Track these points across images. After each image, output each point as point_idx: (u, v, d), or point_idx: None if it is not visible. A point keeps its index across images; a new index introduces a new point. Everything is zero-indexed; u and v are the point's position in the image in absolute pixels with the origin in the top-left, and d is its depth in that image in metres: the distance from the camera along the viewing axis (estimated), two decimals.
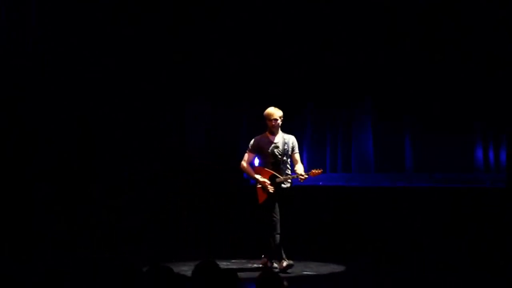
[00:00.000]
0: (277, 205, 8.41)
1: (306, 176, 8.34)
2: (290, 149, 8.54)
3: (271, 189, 8.36)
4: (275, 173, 8.43)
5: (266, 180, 8.43)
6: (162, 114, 11.23)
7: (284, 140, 8.54)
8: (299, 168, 8.47)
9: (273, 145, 8.52)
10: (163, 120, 11.23)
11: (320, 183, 11.28)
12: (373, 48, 11.15)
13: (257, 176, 8.51)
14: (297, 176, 8.37)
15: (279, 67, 11.24)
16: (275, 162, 8.49)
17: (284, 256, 8.41)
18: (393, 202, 10.39)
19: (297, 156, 8.60)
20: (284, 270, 8.33)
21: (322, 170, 8.47)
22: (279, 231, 8.38)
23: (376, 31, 11.10)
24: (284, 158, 8.51)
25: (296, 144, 8.63)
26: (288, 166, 8.58)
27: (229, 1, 11.31)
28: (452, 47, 10.81)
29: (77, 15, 10.60)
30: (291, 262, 8.42)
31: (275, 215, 8.38)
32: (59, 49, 10.51)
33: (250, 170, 8.66)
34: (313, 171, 8.42)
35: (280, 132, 8.58)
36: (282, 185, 8.47)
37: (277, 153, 8.50)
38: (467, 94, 10.79)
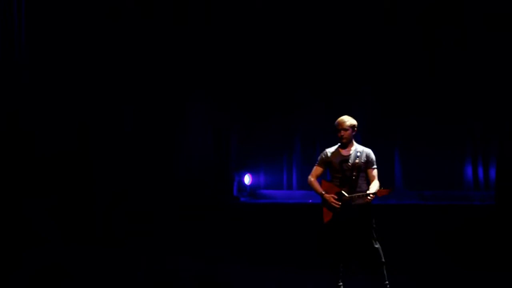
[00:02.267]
0: (344, 227, 7.52)
1: (373, 195, 7.39)
2: (362, 164, 7.54)
3: (336, 204, 7.45)
4: (342, 190, 7.53)
5: (332, 195, 7.53)
6: (162, 114, 11.24)
7: (356, 153, 7.56)
8: (373, 186, 7.49)
9: (342, 159, 7.57)
10: (163, 120, 11.23)
11: (310, 201, 11.24)
12: (373, 48, 11.19)
13: (323, 192, 7.60)
14: (363, 195, 7.44)
15: (279, 67, 11.26)
16: (343, 178, 7.56)
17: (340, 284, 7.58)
18: (383, 220, 10.27)
19: (374, 172, 7.58)
20: None
21: (390, 189, 7.46)
22: (340, 258, 7.56)
23: (376, 30, 11.13)
24: (354, 173, 7.54)
25: (373, 159, 7.59)
26: (362, 183, 7.59)
27: (229, 1, 11.31)
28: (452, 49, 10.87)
29: (77, 15, 10.61)
30: None
31: (339, 238, 7.55)
32: (58, 50, 10.51)
33: (316, 185, 7.68)
34: (380, 190, 7.45)
35: (354, 144, 7.60)
36: (352, 203, 7.51)
37: (345, 168, 7.55)
38: (459, 111, 10.93)
